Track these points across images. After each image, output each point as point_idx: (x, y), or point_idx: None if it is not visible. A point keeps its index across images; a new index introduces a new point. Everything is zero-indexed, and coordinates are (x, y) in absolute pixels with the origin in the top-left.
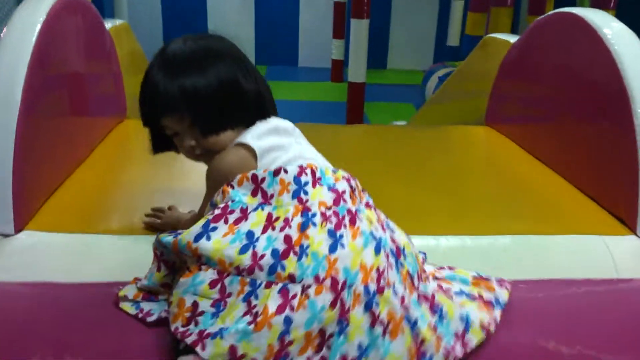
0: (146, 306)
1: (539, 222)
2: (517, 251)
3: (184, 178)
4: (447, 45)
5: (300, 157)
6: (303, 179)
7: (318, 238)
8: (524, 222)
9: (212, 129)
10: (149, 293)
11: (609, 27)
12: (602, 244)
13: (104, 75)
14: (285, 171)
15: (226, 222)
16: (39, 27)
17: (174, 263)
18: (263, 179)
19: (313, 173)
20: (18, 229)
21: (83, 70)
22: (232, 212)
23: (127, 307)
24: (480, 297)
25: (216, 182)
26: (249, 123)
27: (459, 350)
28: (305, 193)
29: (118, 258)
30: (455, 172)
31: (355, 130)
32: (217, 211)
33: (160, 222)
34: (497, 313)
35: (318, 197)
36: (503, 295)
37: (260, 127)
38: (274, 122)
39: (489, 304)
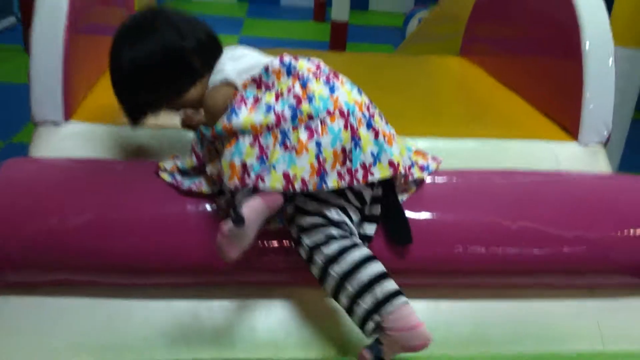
0: (179, 177)
1: (498, 130)
2: (479, 151)
3: None
4: None
5: (267, 60)
6: (286, 60)
7: (318, 87)
8: (487, 129)
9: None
10: (182, 171)
11: None
12: (548, 147)
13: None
14: (271, 64)
15: (246, 104)
16: None
17: (203, 156)
18: (260, 76)
19: (290, 57)
20: (66, 119)
21: (108, 9)
22: (246, 100)
23: (165, 176)
24: (416, 162)
25: (218, 117)
26: (208, 68)
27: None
28: (294, 68)
29: (154, 147)
30: (431, 91)
31: (340, 56)
32: (237, 98)
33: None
34: (425, 174)
35: (305, 66)
36: (433, 165)
37: (221, 65)
38: (227, 55)
39: (422, 168)
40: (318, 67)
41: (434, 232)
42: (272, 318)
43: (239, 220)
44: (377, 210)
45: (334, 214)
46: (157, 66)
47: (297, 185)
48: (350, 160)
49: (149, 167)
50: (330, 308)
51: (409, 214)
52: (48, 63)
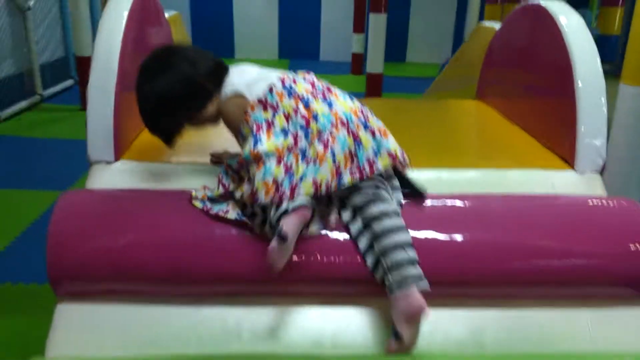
0: (208, 204)
1: (502, 161)
2: (483, 180)
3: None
4: (465, 38)
5: (268, 73)
6: (287, 83)
7: (319, 106)
8: (492, 161)
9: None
10: (211, 199)
11: (565, 16)
12: (546, 175)
13: None
14: (275, 86)
15: (263, 131)
16: (125, 15)
17: (229, 185)
18: (265, 99)
19: (290, 79)
20: (116, 159)
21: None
22: (261, 126)
23: (196, 203)
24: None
25: (235, 124)
26: (219, 86)
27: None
28: (294, 90)
29: (188, 179)
30: (448, 130)
31: (370, 101)
32: (254, 128)
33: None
34: None
35: (303, 87)
36: None
37: (229, 80)
38: (233, 73)
39: None
40: (313, 85)
41: (438, 248)
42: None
43: (283, 237)
44: (396, 181)
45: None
46: (176, 93)
47: (323, 189)
48: (358, 158)
49: (184, 195)
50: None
51: (414, 233)
52: (101, 113)
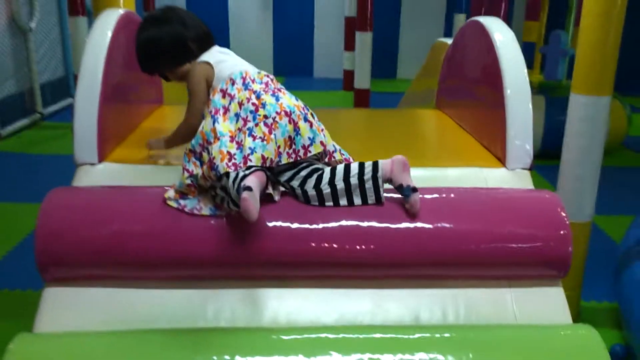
0: (182, 202)
1: (444, 160)
2: (426, 176)
3: None
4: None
5: (238, 64)
6: (247, 81)
7: (268, 98)
8: (435, 161)
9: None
10: (182, 193)
11: (498, 31)
12: (480, 172)
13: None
14: (236, 81)
15: (220, 114)
16: (109, 35)
17: (192, 170)
18: (226, 89)
19: (250, 79)
20: (100, 161)
21: (135, 67)
22: (219, 110)
23: (171, 203)
24: (341, 154)
25: (194, 84)
26: (199, 53)
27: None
28: (250, 85)
29: (163, 179)
30: (407, 135)
31: (344, 110)
32: (212, 111)
33: (154, 150)
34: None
35: (258, 86)
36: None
37: (209, 52)
38: (216, 48)
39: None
40: (267, 84)
41: (378, 234)
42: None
43: (248, 188)
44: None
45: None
46: (162, 45)
47: (268, 163)
48: (294, 144)
49: (157, 191)
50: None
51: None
52: (86, 121)
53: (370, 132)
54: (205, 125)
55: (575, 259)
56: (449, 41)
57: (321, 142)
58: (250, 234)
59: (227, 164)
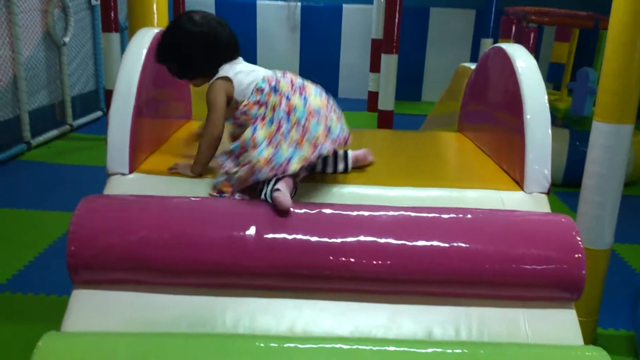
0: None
1: (463, 182)
2: (444, 197)
3: None
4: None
5: (255, 71)
6: (272, 84)
7: (297, 100)
8: (455, 182)
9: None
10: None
11: (520, 58)
12: (498, 194)
13: (179, 88)
14: (264, 88)
15: (258, 122)
16: (144, 53)
17: (229, 169)
18: (258, 99)
19: (274, 80)
20: (130, 171)
21: (167, 82)
22: (257, 119)
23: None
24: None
25: (214, 97)
26: (225, 61)
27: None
28: (278, 88)
29: (189, 189)
30: (429, 157)
31: (368, 130)
32: (252, 120)
33: (180, 169)
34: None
35: (285, 86)
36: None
37: (232, 63)
38: (239, 60)
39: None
40: (292, 82)
41: (395, 251)
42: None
43: (278, 189)
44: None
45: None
46: (198, 39)
47: (305, 164)
48: (331, 134)
49: (184, 200)
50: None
51: (376, 238)
52: (119, 133)
53: (392, 152)
54: (246, 133)
55: (593, 286)
56: (473, 66)
57: (349, 132)
58: (271, 247)
59: (267, 171)
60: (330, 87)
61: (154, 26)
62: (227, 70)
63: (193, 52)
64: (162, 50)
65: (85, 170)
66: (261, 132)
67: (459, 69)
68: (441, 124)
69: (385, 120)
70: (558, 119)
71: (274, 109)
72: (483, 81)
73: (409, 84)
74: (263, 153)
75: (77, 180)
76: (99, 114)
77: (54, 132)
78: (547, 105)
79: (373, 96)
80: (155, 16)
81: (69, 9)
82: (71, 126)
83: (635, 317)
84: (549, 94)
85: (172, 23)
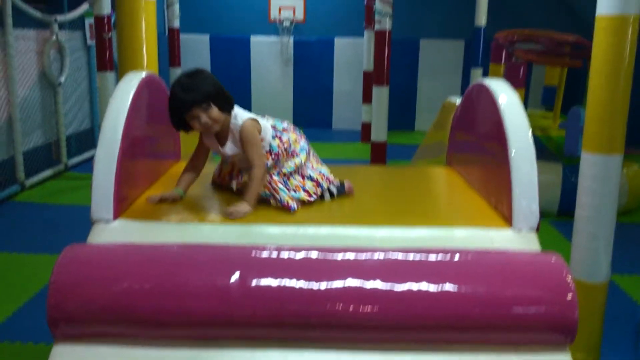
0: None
1: (452, 220)
2: (432, 236)
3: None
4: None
5: (268, 118)
6: (283, 127)
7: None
8: (442, 220)
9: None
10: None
11: (503, 93)
12: (487, 232)
13: (167, 129)
14: (285, 128)
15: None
16: (131, 95)
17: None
18: (280, 136)
19: (280, 126)
20: (115, 217)
21: (155, 124)
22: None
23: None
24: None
25: (253, 136)
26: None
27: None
28: (287, 128)
29: (175, 236)
30: (417, 192)
31: (361, 167)
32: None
33: (237, 213)
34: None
35: (288, 130)
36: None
37: (241, 110)
38: (238, 107)
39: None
40: (297, 134)
41: (383, 296)
42: None
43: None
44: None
45: None
46: (220, 87)
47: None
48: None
49: (169, 248)
50: None
51: (364, 282)
52: (104, 179)
53: (382, 189)
54: (296, 161)
55: (593, 321)
56: (458, 100)
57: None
58: (256, 295)
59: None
60: (324, 118)
61: (143, 69)
62: (242, 113)
63: (222, 94)
64: (207, 89)
65: (78, 211)
66: (296, 160)
67: (445, 104)
68: (430, 155)
69: (379, 152)
70: (551, 153)
71: (296, 141)
72: (468, 117)
73: (402, 113)
74: (322, 170)
75: (70, 221)
76: (94, 152)
77: (48, 172)
78: (532, 140)
79: (366, 127)
80: (145, 59)
81: (65, 49)
82: (66, 165)
83: (639, 352)
84: (542, 116)
85: (193, 74)
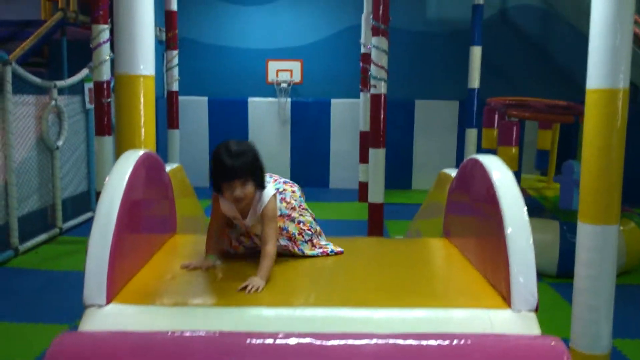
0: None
1: (449, 300)
2: (429, 319)
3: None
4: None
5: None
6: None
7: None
8: (439, 300)
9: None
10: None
11: (496, 170)
12: (486, 314)
13: (164, 204)
14: (286, 197)
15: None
16: (128, 173)
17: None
18: (285, 198)
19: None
20: (107, 302)
21: (152, 201)
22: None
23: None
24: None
25: (273, 216)
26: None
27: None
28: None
29: (170, 321)
30: (412, 268)
31: (358, 239)
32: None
33: (255, 288)
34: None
35: (294, 197)
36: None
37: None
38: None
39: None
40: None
41: None
42: None
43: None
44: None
45: None
46: (257, 159)
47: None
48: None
49: (162, 337)
50: None
51: None
52: (97, 264)
53: (378, 264)
54: (309, 222)
55: None
56: (453, 173)
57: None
58: None
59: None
60: (321, 178)
61: (140, 147)
62: (270, 186)
63: (263, 171)
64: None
65: (72, 277)
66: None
67: (440, 176)
68: (431, 219)
69: (376, 213)
70: (547, 210)
71: (294, 199)
72: (463, 190)
73: (399, 172)
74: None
75: (63, 287)
76: (89, 215)
77: (42, 237)
78: (527, 217)
79: (363, 186)
80: (143, 137)
81: (63, 114)
82: (60, 229)
83: None
84: (537, 180)
85: (242, 146)
